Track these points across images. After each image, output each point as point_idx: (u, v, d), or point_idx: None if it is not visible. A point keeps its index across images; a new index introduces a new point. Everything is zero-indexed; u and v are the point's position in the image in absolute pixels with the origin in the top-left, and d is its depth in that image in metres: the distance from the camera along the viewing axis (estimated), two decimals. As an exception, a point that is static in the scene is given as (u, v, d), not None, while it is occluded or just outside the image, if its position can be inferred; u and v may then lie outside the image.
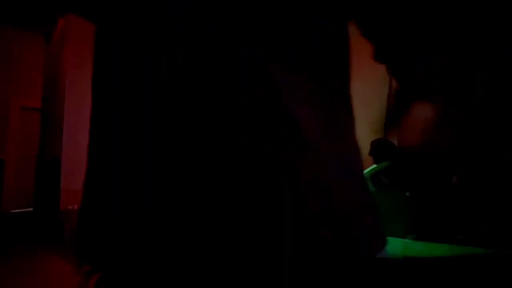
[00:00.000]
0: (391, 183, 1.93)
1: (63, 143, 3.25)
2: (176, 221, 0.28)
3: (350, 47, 0.34)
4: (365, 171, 2.20)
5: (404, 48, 0.28)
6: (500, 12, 0.24)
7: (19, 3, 3.50)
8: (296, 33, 0.31)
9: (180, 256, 0.28)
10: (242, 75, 0.28)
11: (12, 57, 4.27)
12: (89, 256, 0.33)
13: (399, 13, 0.29)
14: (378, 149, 2.22)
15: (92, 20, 0.37)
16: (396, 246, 1.61)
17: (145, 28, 0.30)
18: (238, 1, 0.29)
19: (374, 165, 2.09)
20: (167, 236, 0.29)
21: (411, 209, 1.73)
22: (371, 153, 2.30)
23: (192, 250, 0.28)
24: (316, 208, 0.29)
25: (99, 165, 0.34)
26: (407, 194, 1.80)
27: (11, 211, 4.25)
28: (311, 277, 0.27)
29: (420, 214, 1.72)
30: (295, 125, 0.29)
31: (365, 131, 2.74)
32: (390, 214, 1.78)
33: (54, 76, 3.61)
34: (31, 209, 4.14)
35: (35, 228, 3.83)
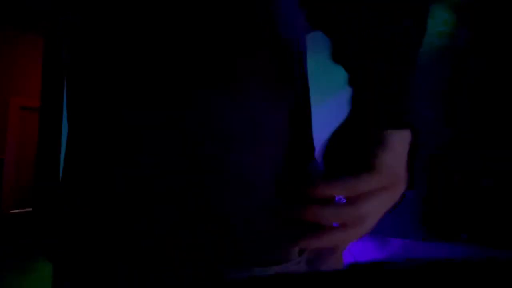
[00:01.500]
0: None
1: (63, 143, 3.25)
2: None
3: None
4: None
5: (359, 56, 0.29)
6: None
7: (19, 3, 3.50)
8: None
9: None
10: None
11: (12, 57, 4.27)
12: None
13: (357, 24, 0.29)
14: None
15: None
16: (396, 246, 1.61)
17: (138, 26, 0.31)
18: None
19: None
20: None
21: (414, 209, 1.72)
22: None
23: None
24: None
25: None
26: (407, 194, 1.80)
27: (10, 211, 4.25)
28: None
29: (423, 214, 1.72)
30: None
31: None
32: (391, 214, 1.77)
33: (54, 76, 3.61)
34: (30, 209, 4.14)
35: (35, 228, 3.83)
